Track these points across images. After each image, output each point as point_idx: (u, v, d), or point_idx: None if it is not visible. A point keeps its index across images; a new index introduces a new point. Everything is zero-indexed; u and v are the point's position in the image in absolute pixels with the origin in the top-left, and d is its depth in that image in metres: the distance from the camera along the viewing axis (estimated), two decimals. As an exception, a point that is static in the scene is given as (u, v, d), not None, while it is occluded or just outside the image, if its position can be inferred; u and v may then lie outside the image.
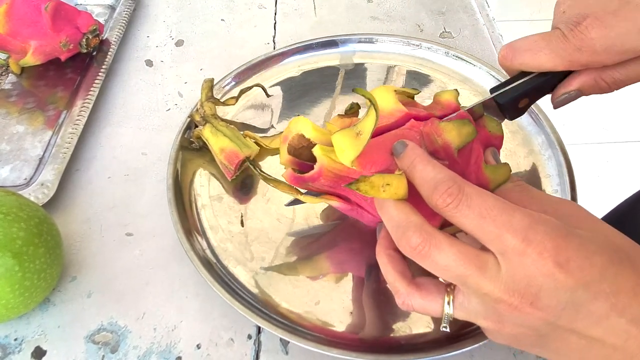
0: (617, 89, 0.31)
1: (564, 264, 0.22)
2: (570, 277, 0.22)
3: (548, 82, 0.31)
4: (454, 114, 0.31)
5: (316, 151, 0.29)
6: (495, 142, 0.32)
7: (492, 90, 0.33)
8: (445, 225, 0.28)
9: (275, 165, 0.41)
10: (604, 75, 0.30)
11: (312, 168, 0.30)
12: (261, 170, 0.33)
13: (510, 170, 0.29)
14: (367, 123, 0.27)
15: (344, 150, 0.27)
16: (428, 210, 0.25)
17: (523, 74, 0.31)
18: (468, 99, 0.46)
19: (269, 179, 0.33)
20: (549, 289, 0.22)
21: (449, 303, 0.25)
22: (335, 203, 0.31)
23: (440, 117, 0.32)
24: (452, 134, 0.28)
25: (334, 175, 0.29)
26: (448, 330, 0.26)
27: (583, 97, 0.32)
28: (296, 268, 0.35)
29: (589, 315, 0.22)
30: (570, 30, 0.28)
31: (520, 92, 0.31)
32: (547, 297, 0.22)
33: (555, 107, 0.33)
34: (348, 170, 0.28)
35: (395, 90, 0.32)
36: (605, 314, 0.22)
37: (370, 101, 0.27)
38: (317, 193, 0.31)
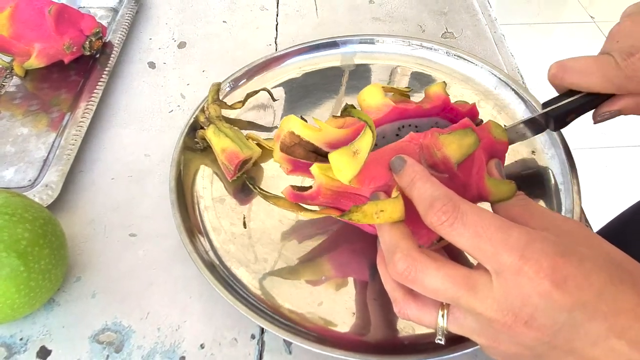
0: None
1: (561, 284, 0.21)
2: (568, 296, 0.21)
3: (594, 101, 0.35)
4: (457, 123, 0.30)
5: (314, 170, 0.29)
6: (499, 148, 0.32)
7: (545, 105, 0.36)
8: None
9: (277, 167, 0.41)
10: None
11: (305, 164, 0.30)
12: (260, 189, 0.33)
13: (515, 190, 0.28)
14: (364, 142, 0.27)
15: (341, 169, 0.27)
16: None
17: (571, 91, 0.35)
18: (470, 98, 0.46)
19: (269, 196, 0.33)
20: (545, 308, 0.22)
21: (443, 316, 0.25)
22: (336, 216, 0.31)
23: (430, 111, 0.33)
24: (451, 148, 0.28)
25: (332, 192, 0.29)
26: (443, 342, 0.25)
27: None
28: (298, 272, 0.35)
29: (586, 336, 0.21)
30: (623, 59, 0.31)
31: (571, 109, 0.35)
32: (542, 317, 0.22)
33: (595, 123, 0.36)
34: (346, 186, 0.28)
35: (383, 87, 0.33)
36: (603, 335, 0.21)
37: (365, 122, 0.27)
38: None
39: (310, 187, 0.30)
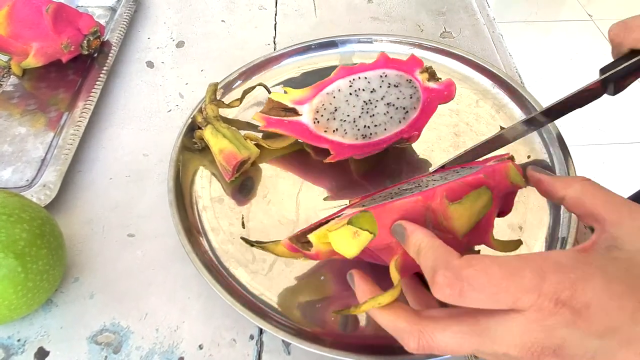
0: None
1: (583, 311, 0.21)
2: (595, 323, 0.20)
3: None
4: (472, 172, 0.29)
5: (312, 238, 0.29)
6: (513, 191, 0.30)
7: (603, 71, 0.35)
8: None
9: (275, 167, 0.41)
10: None
11: (276, 121, 0.40)
12: (256, 242, 0.33)
13: (521, 243, 0.28)
14: (366, 223, 0.27)
15: (342, 249, 0.27)
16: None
17: (632, 53, 0.34)
18: (468, 98, 0.46)
19: (265, 247, 0.32)
20: (573, 338, 0.21)
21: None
22: (333, 312, 0.31)
23: (375, 65, 0.39)
24: (460, 222, 0.27)
25: (330, 253, 0.29)
26: None
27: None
28: (301, 287, 0.35)
29: None
30: None
31: (631, 70, 0.33)
32: (572, 347, 0.21)
33: None
34: None
35: None
36: None
37: (366, 229, 0.27)
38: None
39: (309, 241, 0.30)
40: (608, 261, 0.22)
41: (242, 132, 0.42)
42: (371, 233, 0.27)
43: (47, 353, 0.32)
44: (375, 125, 0.39)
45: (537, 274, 0.21)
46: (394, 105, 0.39)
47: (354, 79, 0.40)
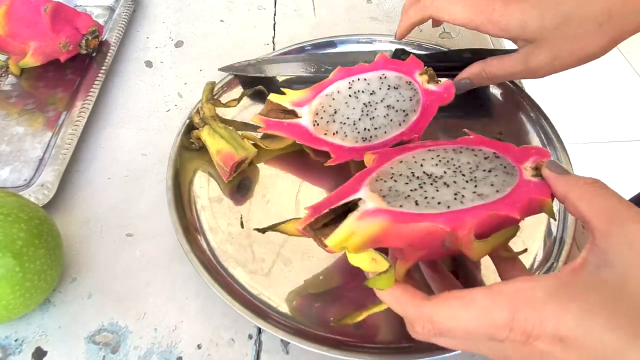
0: (494, 83, 0.42)
1: (558, 345, 0.20)
2: (572, 358, 0.20)
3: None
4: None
5: (330, 243, 0.28)
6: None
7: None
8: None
9: (273, 167, 0.41)
10: (486, 68, 0.39)
11: (275, 123, 0.39)
12: (268, 226, 0.32)
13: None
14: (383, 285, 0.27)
15: (361, 266, 0.27)
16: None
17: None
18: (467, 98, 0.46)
19: (277, 229, 0.32)
20: None
21: None
22: None
23: (374, 66, 0.40)
24: (478, 255, 0.27)
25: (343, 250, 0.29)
26: None
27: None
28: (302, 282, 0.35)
29: None
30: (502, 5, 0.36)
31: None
32: None
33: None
34: None
35: None
36: None
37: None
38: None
39: (326, 225, 0.29)
40: (594, 286, 0.21)
41: (240, 132, 0.42)
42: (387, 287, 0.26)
43: (44, 353, 0.32)
44: (375, 128, 0.39)
45: (507, 311, 0.21)
46: (393, 107, 0.39)
47: (353, 80, 0.40)
